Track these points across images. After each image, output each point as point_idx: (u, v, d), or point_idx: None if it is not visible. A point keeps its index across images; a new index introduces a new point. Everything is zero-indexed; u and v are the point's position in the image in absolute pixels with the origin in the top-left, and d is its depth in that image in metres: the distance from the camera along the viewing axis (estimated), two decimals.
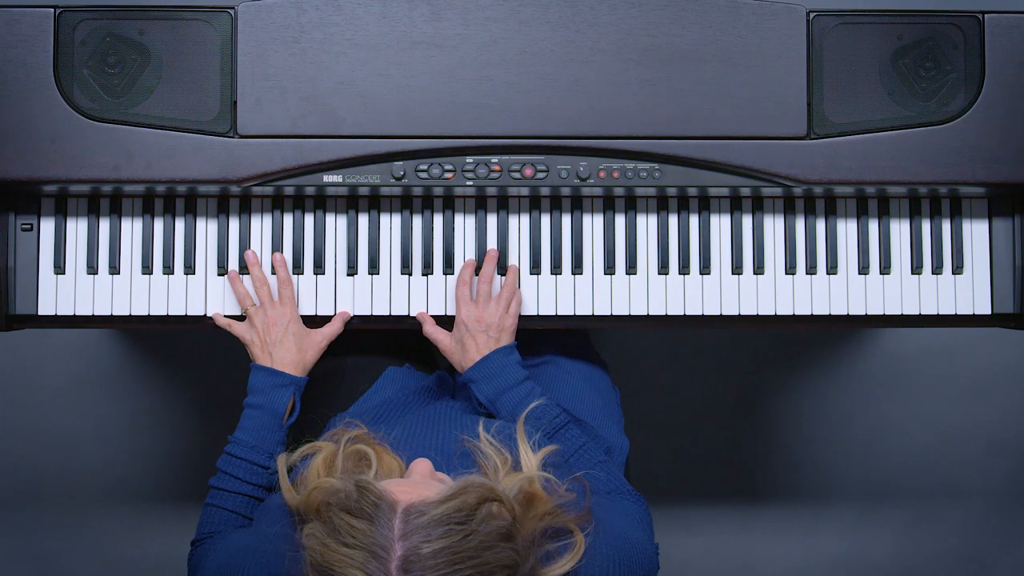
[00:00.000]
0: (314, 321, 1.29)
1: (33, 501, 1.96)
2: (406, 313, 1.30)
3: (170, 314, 1.29)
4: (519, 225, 1.31)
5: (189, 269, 1.29)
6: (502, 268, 1.30)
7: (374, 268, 1.30)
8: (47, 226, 1.28)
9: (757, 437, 2.02)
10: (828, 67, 1.24)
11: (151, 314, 1.28)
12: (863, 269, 1.32)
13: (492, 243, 1.30)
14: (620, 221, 1.31)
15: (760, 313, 1.31)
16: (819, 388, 2.02)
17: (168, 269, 1.29)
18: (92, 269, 1.28)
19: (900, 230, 1.33)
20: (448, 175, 1.24)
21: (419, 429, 1.12)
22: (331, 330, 1.27)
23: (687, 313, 1.31)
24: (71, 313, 1.28)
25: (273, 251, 1.29)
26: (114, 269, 1.28)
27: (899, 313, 1.32)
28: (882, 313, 1.32)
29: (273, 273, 1.28)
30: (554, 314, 1.31)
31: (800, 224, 1.32)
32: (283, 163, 1.22)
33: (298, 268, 1.29)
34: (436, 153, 1.23)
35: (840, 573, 2.03)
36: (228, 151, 1.21)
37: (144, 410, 1.96)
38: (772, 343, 2.02)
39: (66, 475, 1.96)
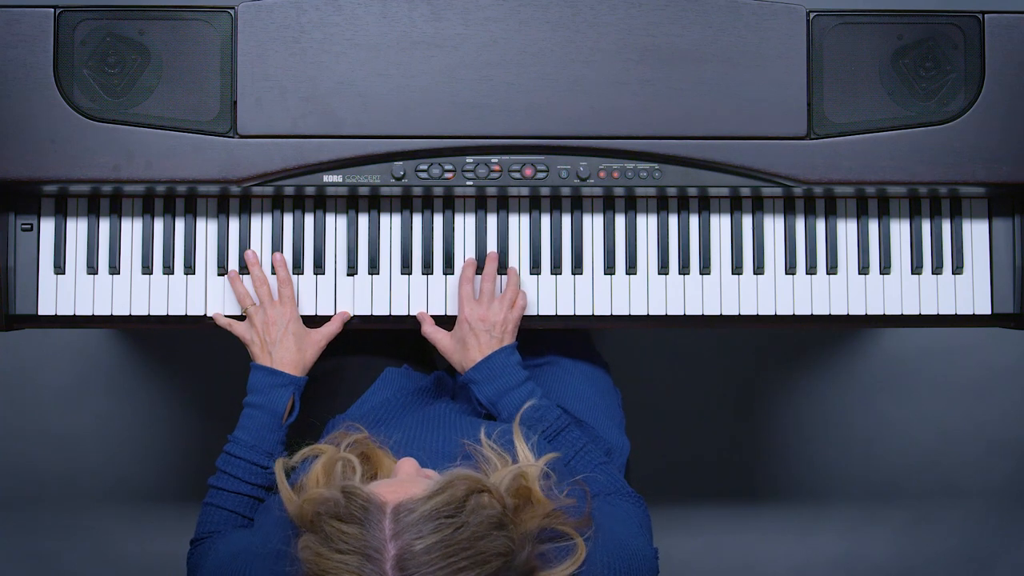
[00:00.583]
0: (314, 321, 1.29)
1: (33, 501, 1.96)
2: (406, 313, 1.30)
3: (170, 314, 1.29)
4: (519, 225, 1.31)
5: (189, 269, 1.29)
6: (502, 269, 1.30)
7: (374, 268, 1.30)
8: (47, 226, 1.28)
9: (757, 437, 2.02)
10: (828, 67, 1.24)
11: (151, 314, 1.28)
12: (863, 269, 1.32)
13: (492, 243, 1.30)
14: (620, 221, 1.31)
15: (760, 313, 1.31)
16: (819, 388, 2.02)
17: (168, 269, 1.29)
18: (92, 269, 1.28)
19: (900, 230, 1.33)
20: (448, 175, 1.24)
21: (419, 432, 1.12)
22: (330, 330, 1.27)
23: (687, 313, 1.31)
24: (71, 313, 1.28)
25: (273, 251, 1.29)
26: (114, 269, 1.28)
27: (899, 313, 1.32)
28: (882, 313, 1.32)
29: (273, 273, 1.28)
30: (554, 314, 1.31)
31: (800, 224, 1.32)
32: (283, 163, 1.22)
33: (298, 268, 1.29)
34: (436, 153, 1.23)
35: (840, 573, 2.03)
36: (228, 151, 1.21)
37: (144, 410, 1.96)
38: (772, 343, 2.02)
39: (66, 475, 1.96)
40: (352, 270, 1.30)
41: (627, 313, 1.31)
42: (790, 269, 1.31)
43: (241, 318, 1.27)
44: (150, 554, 1.96)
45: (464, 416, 1.19)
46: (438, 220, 1.31)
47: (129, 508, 1.97)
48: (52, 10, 1.21)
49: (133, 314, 1.28)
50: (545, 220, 1.31)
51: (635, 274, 1.31)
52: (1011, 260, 1.31)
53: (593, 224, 1.31)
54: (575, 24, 1.22)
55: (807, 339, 2.02)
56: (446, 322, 1.29)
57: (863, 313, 1.32)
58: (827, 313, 1.31)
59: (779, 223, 1.32)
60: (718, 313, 1.31)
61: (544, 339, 1.39)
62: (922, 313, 1.32)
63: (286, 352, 1.22)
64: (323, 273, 1.30)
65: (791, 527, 2.02)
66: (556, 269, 1.31)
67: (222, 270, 1.29)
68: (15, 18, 1.20)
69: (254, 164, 1.22)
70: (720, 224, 1.32)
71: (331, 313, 1.29)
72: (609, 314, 1.31)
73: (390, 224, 1.31)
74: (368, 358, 1.35)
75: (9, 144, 1.20)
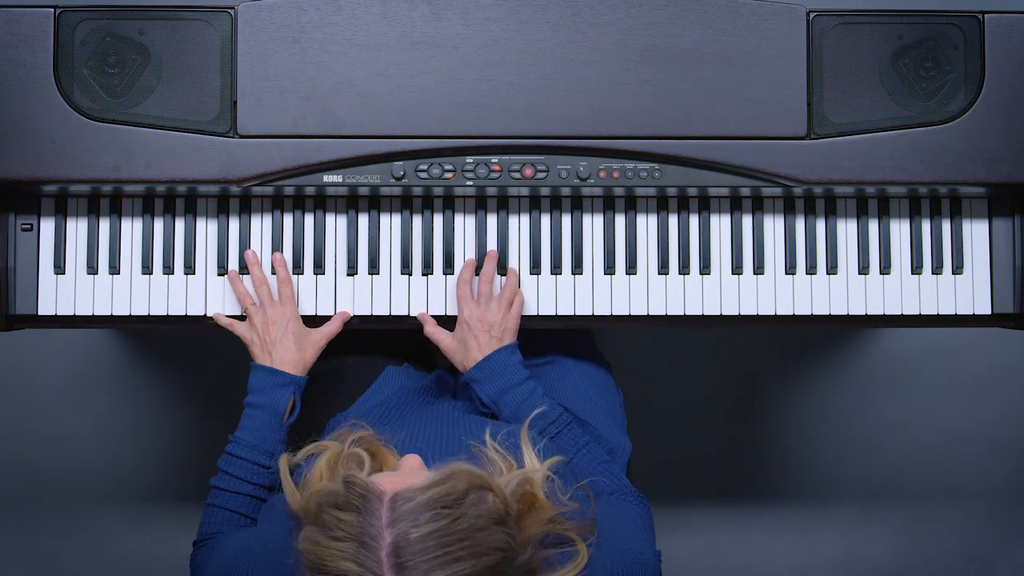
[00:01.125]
0: (314, 321, 1.29)
1: (33, 501, 1.96)
2: (406, 313, 1.30)
3: (170, 314, 1.29)
4: (519, 225, 1.31)
5: (189, 269, 1.29)
6: (502, 268, 1.30)
7: (374, 268, 1.30)
8: (47, 226, 1.28)
9: (757, 437, 2.02)
10: (828, 67, 1.24)
11: (151, 314, 1.28)
12: (863, 269, 1.32)
13: (492, 243, 1.30)
14: (620, 221, 1.31)
15: (760, 313, 1.31)
16: (819, 388, 2.02)
17: (168, 269, 1.29)
18: (92, 269, 1.28)
19: (900, 230, 1.33)
20: (448, 175, 1.24)
21: (423, 431, 1.12)
22: (330, 329, 1.27)
23: (687, 313, 1.31)
24: (71, 313, 1.28)
25: (273, 251, 1.29)
26: (114, 269, 1.28)
27: (899, 313, 1.32)
28: (882, 313, 1.32)
29: (273, 273, 1.28)
30: (554, 314, 1.31)
31: (800, 224, 1.32)
32: (283, 163, 1.22)
33: (298, 268, 1.29)
34: (436, 153, 1.23)
35: (840, 573, 2.03)
36: (228, 151, 1.21)
37: (144, 410, 1.96)
38: (772, 343, 2.02)
39: (66, 475, 1.96)
40: (352, 270, 1.30)
41: (627, 313, 1.31)
42: (790, 269, 1.31)
43: (242, 318, 1.27)
44: (150, 554, 1.96)
45: (469, 415, 1.19)
46: (438, 220, 1.31)
47: (129, 508, 1.96)
48: (52, 10, 1.21)
49: (133, 314, 1.28)
50: (545, 220, 1.31)
51: (635, 274, 1.31)
52: (1011, 260, 1.31)
53: (593, 224, 1.31)
54: (575, 24, 1.22)
55: (807, 339, 2.02)
56: (447, 322, 1.29)
57: (863, 313, 1.32)
58: (827, 313, 1.31)
59: (779, 223, 1.32)
60: (718, 313, 1.31)
61: (547, 339, 1.39)
62: (922, 313, 1.32)
63: (286, 352, 1.22)
64: (323, 273, 1.30)
65: (791, 527, 2.02)
66: (556, 269, 1.31)
67: (222, 270, 1.29)
68: (15, 18, 1.20)
69: (254, 164, 1.22)
70: (720, 224, 1.32)
71: (331, 313, 1.29)
72: (609, 314, 1.31)
73: (390, 224, 1.31)
74: (368, 357, 1.35)
75: (9, 144, 1.20)
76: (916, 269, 1.32)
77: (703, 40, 1.23)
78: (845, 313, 1.32)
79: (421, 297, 1.30)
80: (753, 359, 2.02)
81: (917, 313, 1.32)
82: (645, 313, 1.31)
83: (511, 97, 1.22)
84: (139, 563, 1.96)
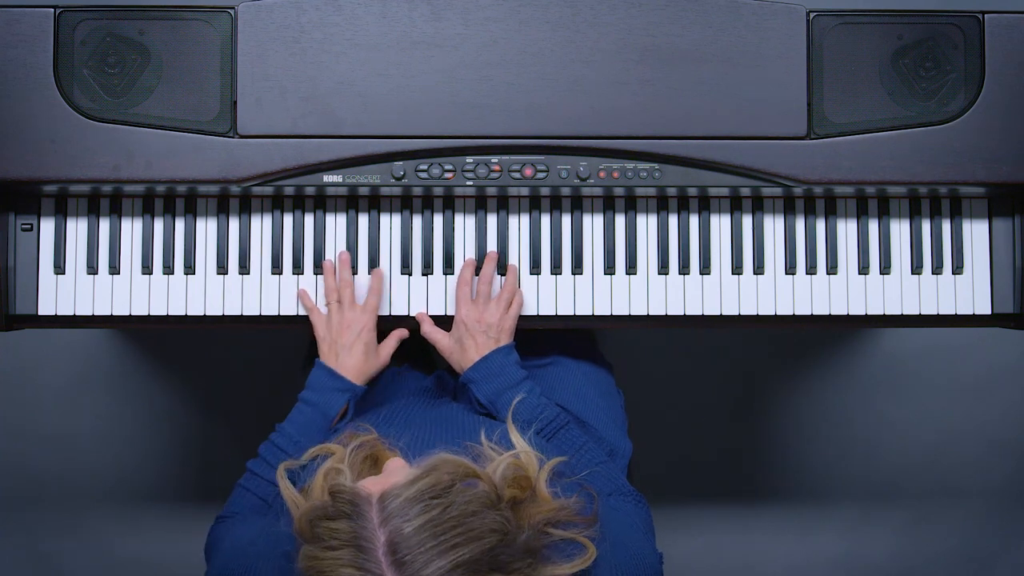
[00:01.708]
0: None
1: (33, 501, 1.97)
2: (406, 313, 1.30)
3: (170, 314, 1.29)
4: (519, 225, 1.31)
5: (189, 269, 1.29)
6: (502, 268, 1.30)
7: (375, 268, 1.29)
8: (47, 226, 1.28)
9: (757, 437, 2.02)
10: (828, 67, 1.24)
11: (151, 314, 1.28)
12: (863, 269, 1.32)
13: (492, 243, 1.30)
14: (620, 221, 1.31)
15: (760, 313, 1.31)
16: (819, 388, 2.02)
17: (168, 269, 1.29)
18: (92, 269, 1.28)
19: (900, 230, 1.33)
20: (448, 175, 1.24)
21: (426, 433, 1.12)
22: (391, 346, 1.27)
23: (687, 313, 1.31)
24: (71, 313, 1.28)
25: (274, 251, 1.29)
26: (114, 269, 1.28)
27: (899, 313, 1.32)
28: (882, 313, 1.32)
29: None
30: (554, 314, 1.31)
31: (800, 224, 1.32)
32: (283, 163, 1.22)
33: (298, 268, 1.29)
34: (436, 153, 1.23)
35: (840, 573, 2.03)
36: (228, 151, 1.21)
37: (144, 410, 1.96)
38: (772, 343, 2.02)
39: (66, 475, 1.96)
40: (353, 270, 1.30)
41: (627, 313, 1.30)
42: (790, 269, 1.31)
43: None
44: (150, 554, 1.96)
45: (469, 415, 1.19)
46: (438, 220, 1.31)
47: (129, 508, 1.97)
48: (52, 10, 1.21)
49: (133, 314, 1.28)
50: (545, 220, 1.31)
51: (635, 274, 1.31)
52: (1011, 260, 1.31)
53: (593, 224, 1.31)
54: (575, 24, 1.22)
55: (807, 339, 2.02)
56: (446, 322, 1.29)
57: (863, 313, 1.32)
58: (827, 313, 1.31)
59: (779, 223, 1.32)
60: (718, 313, 1.31)
61: (548, 340, 1.39)
62: (922, 313, 1.32)
63: (352, 358, 1.22)
64: (324, 273, 1.30)
65: (791, 527, 2.02)
66: (556, 269, 1.31)
67: (222, 270, 1.29)
68: (15, 18, 1.20)
69: (254, 164, 1.22)
70: (720, 224, 1.32)
71: None
72: (609, 314, 1.31)
73: (390, 224, 1.31)
74: None
75: (9, 144, 1.20)
76: (916, 269, 1.32)
77: (703, 40, 1.23)
78: (845, 313, 1.32)
79: (421, 297, 1.30)
80: (753, 359, 2.02)
81: (917, 313, 1.32)
82: (645, 313, 1.31)
83: (511, 97, 1.22)
84: (139, 563, 1.96)
